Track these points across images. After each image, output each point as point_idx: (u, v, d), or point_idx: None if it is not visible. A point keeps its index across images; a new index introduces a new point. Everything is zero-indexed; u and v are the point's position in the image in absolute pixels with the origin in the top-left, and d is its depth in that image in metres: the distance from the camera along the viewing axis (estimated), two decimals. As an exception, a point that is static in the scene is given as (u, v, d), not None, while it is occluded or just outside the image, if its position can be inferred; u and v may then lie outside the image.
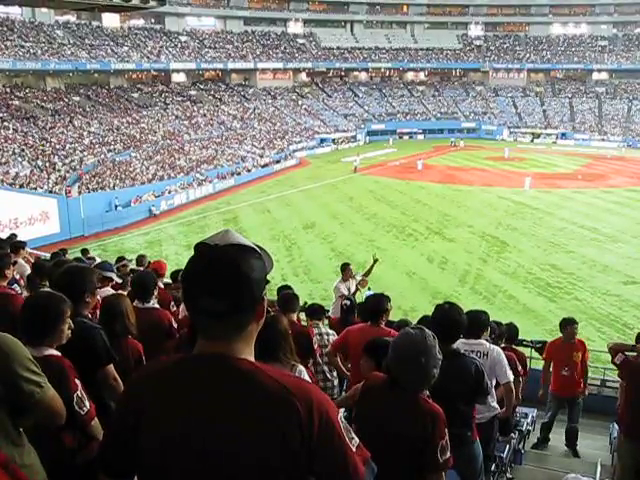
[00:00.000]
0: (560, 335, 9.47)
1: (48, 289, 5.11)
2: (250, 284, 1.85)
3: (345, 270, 12.76)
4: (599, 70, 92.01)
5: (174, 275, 10.31)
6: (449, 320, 4.87)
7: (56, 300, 3.75)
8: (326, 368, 7.11)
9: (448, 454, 3.51)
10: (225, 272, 1.84)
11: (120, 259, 11.88)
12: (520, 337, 12.27)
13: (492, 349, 5.93)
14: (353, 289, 12.55)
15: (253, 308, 1.90)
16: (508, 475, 7.47)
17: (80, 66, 64.27)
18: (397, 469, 3.42)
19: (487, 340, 5.44)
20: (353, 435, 1.95)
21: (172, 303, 7.85)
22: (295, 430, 1.79)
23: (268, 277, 2.01)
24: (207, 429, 1.81)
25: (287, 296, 7.20)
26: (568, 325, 9.29)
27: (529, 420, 9.59)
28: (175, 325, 6.48)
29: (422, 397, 3.56)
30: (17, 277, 8.27)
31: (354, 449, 1.92)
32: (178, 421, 1.83)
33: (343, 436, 1.90)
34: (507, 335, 8.76)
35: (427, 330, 3.59)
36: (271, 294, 12.42)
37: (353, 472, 1.90)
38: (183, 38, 79.68)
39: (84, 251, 15.38)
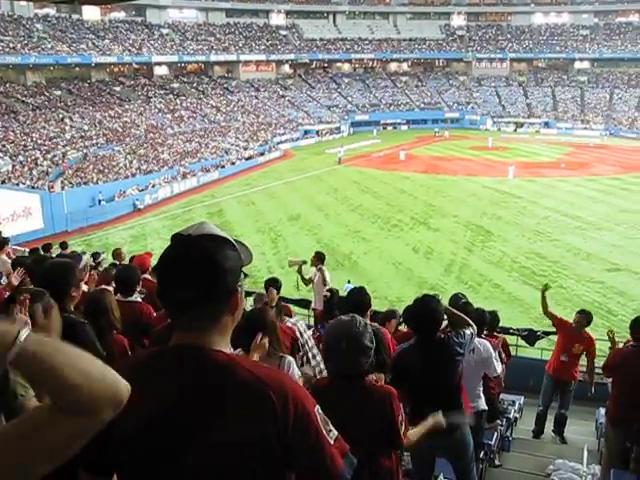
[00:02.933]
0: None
1: (31, 286, 5.06)
2: (222, 274, 1.84)
3: (315, 258, 12.83)
4: (581, 59, 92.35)
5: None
6: (429, 311, 4.91)
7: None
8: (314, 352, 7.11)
9: (405, 429, 3.57)
10: (196, 261, 1.84)
11: (96, 254, 11.81)
12: (506, 325, 12.35)
13: (479, 344, 5.98)
14: (315, 277, 12.60)
15: (226, 299, 1.89)
16: (496, 462, 7.52)
17: (61, 60, 63.87)
18: (365, 459, 3.42)
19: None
20: (331, 427, 1.94)
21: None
22: (270, 422, 1.77)
23: (249, 269, 2.00)
24: (178, 421, 1.79)
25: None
26: (578, 314, 9.35)
27: (516, 407, 9.66)
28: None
29: (368, 381, 3.56)
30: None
31: (332, 442, 1.91)
32: (149, 413, 1.80)
33: (320, 428, 1.88)
34: (489, 324, 8.79)
35: (358, 317, 3.53)
36: (257, 286, 12.41)
37: (331, 465, 1.89)
38: (165, 31, 79.24)
39: (63, 244, 15.26)
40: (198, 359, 1.84)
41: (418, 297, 5.11)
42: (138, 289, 6.78)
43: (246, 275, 2.00)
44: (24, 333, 1.39)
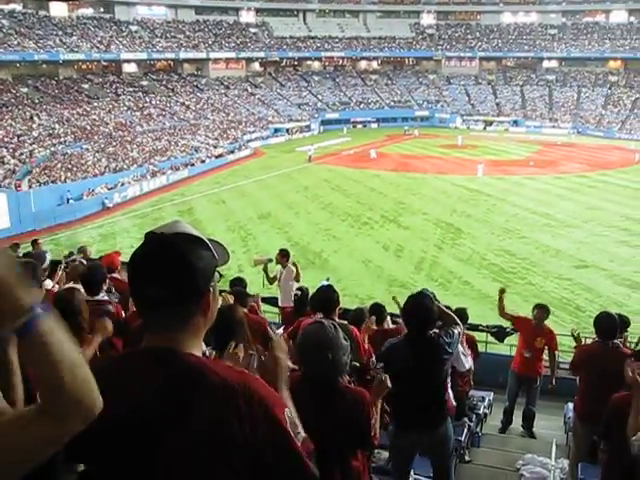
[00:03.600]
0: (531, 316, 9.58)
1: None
2: (193, 274, 1.82)
3: (280, 257, 12.81)
4: (549, 58, 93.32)
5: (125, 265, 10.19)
6: (423, 309, 4.95)
7: None
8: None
9: (375, 431, 3.57)
10: (167, 260, 1.81)
11: (70, 254, 11.68)
12: (476, 322, 12.42)
13: None
14: (285, 277, 12.57)
15: (197, 300, 1.86)
16: (466, 458, 7.56)
17: (27, 57, 63.03)
18: (334, 461, 3.42)
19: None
20: (300, 430, 1.93)
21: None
22: (236, 426, 1.75)
23: (222, 268, 1.98)
24: (147, 424, 1.76)
25: (239, 292, 7.26)
26: (536, 308, 9.43)
27: (485, 403, 9.72)
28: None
29: (342, 384, 3.57)
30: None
31: (299, 444, 1.89)
32: (118, 414, 1.76)
33: (288, 431, 1.86)
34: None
35: (327, 322, 3.57)
36: (224, 285, 12.33)
37: (300, 467, 1.89)
38: (134, 28, 78.57)
39: (34, 242, 15.08)
40: (168, 362, 1.81)
41: (413, 294, 5.12)
42: (105, 287, 6.72)
43: (221, 275, 1.98)
44: (40, 313, 1.37)
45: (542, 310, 9.40)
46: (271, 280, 12.71)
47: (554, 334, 9.57)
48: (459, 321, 5.31)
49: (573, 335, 8.17)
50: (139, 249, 1.89)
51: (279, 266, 12.89)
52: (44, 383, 1.42)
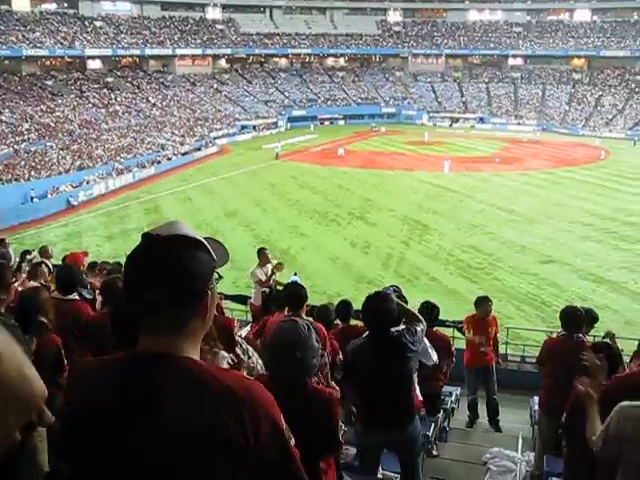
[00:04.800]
0: (474, 312, 9.80)
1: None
2: (189, 277, 1.77)
3: (261, 255, 12.54)
4: (514, 56, 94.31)
5: (92, 266, 10.11)
6: (381, 308, 4.95)
7: None
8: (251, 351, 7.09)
9: (343, 430, 3.60)
10: (163, 263, 1.76)
11: (26, 252, 11.52)
12: (443, 318, 12.51)
13: None
14: (269, 273, 12.34)
15: (195, 303, 1.82)
16: (434, 452, 7.60)
17: (-11, 52, 62.08)
18: (307, 461, 3.42)
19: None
20: (290, 434, 1.93)
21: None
22: (238, 431, 1.73)
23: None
24: (144, 430, 1.73)
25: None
26: (483, 303, 9.69)
27: (453, 398, 9.79)
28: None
29: (310, 385, 3.55)
30: None
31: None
32: (117, 422, 1.76)
33: (287, 436, 1.88)
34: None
35: (301, 322, 3.54)
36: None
37: (296, 470, 1.93)
38: (98, 23, 77.69)
39: (1, 241, 14.88)
40: (166, 367, 1.78)
41: (370, 294, 5.13)
42: (84, 291, 6.68)
43: (220, 277, 1.95)
44: None
45: (488, 302, 9.79)
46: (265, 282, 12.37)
47: (497, 320, 10.14)
48: (421, 318, 5.33)
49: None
50: (135, 251, 1.85)
51: (256, 269, 12.60)
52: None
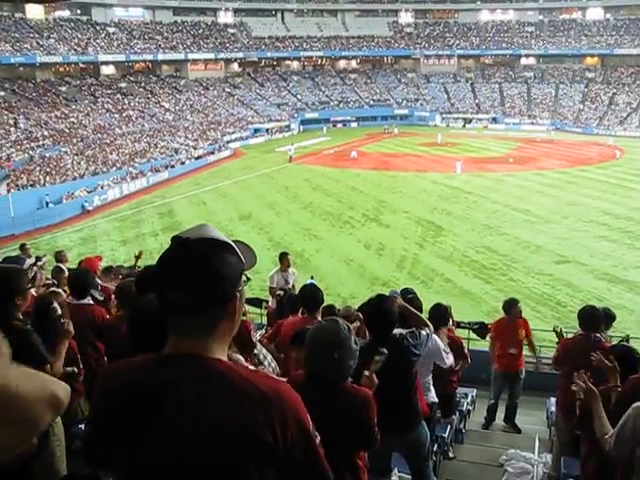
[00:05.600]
0: (501, 316, 9.71)
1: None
2: (219, 280, 1.79)
3: (283, 259, 12.52)
4: (527, 55, 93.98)
5: (106, 270, 10.15)
6: (381, 311, 4.93)
7: None
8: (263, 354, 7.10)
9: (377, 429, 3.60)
10: (192, 266, 1.79)
11: (37, 258, 11.58)
12: (457, 319, 12.46)
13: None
14: (291, 279, 12.32)
15: (224, 305, 1.84)
16: (450, 454, 7.58)
17: (4, 60, 62.55)
18: (337, 458, 3.43)
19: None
20: (315, 432, 1.95)
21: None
22: (268, 432, 1.75)
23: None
24: (177, 431, 1.75)
25: None
26: (514, 305, 9.59)
27: (469, 400, 9.76)
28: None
29: (346, 384, 3.56)
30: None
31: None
32: (148, 423, 1.78)
33: (313, 435, 1.91)
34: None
35: (342, 321, 3.55)
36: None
37: (322, 468, 1.96)
38: (111, 29, 78.14)
39: (22, 247, 14.97)
40: (196, 369, 1.80)
41: (372, 297, 5.12)
42: (95, 292, 6.71)
43: (248, 279, 1.96)
44: None
45: (517, 304, 9.65)
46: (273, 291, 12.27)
47: (527, 320, 9.91)
48: (428, 322, 5.32)
49: (555, 331, 8.23)
50: (165, 254, 1.87)
51: (277, 272, 12.56)
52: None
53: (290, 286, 11.86)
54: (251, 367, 4.55)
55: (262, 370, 5.71)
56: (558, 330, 8.26)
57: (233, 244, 1.91)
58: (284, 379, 2.36)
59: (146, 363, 1.90)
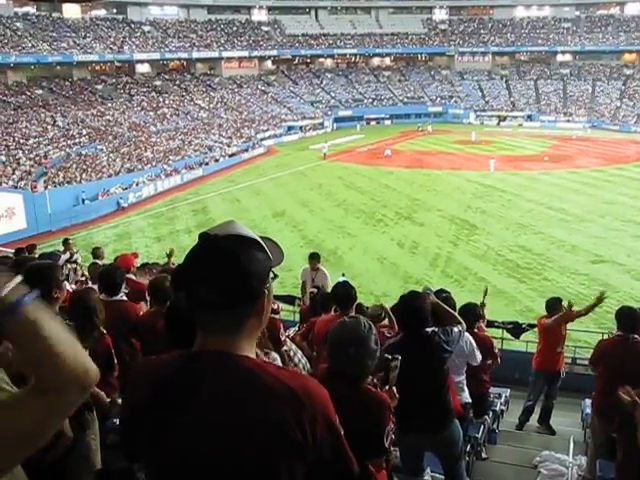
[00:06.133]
0: (544, 317, 9.56)
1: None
2: (247, 277, 1.79)
3: (311, 261, 12.72)
4: (563, 52, 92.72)
5: (142, 266, 10.26)
6: (412, 308, 4.92)
7: None
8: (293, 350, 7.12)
9: (390, 438, 3.56)
10: (220, 263, 1.79)
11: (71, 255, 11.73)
12: (491, 319, 12.39)
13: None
14: (320, 281, 12.43)
15: (252, 302, 1.84)
16: (483, 455, 7.53)
17: (42, 59, 63.47)
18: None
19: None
20: (340, 427, 1.95)
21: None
22: (298, 431, 1.75)
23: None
24: (206, 428, 1.76)
25: None
26: (558, 305, 9.47)
27: (502, 400, 9.68)
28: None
29: (365, 386, 3.55)
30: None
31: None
32: (175, 421, 1.79)
33: (340, 432, 1.91)
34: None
35: (364, 320, 3.55)
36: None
37: (350, 465, 1.98)
38: (146, 28, 78.86)
39: (65, 242, 15.18)
40: (225, 366, 1.80)
41: (404, 294, 5.11)
42: (123, 288, 6.77)
43: (276, 276, 1.96)
44: (25, 296, 1.46)
45: (561, 302, 9.49)
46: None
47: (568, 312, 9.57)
48: (460, 319, 5.29)
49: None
50: (192, 251, 1.87)
51: (307, 269, 12.80)
52: (37, 359, 1.47)
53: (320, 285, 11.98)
54: (280, 364, 4.60)
55: (292, 367, 5.72)
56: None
57: (261, 241, 1.91)
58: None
59: (174, 361, 1.91)
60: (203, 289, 1.78)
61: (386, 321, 7.28)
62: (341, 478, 2.01)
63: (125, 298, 6.74)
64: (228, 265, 1.78)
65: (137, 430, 1.89)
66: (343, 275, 19.22)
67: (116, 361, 5.23)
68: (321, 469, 1.87)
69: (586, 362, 9.61)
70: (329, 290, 11.21)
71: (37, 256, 10.66)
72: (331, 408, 1.89)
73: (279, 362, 4.69)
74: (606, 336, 8.44)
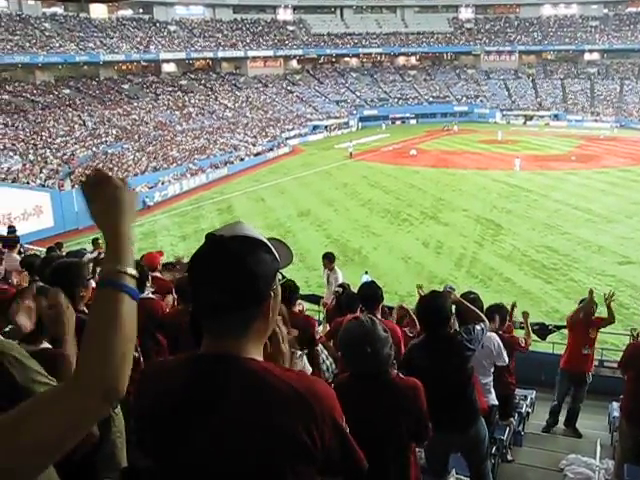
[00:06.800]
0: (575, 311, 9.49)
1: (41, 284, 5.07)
2: (253, 280, 1.77)
3: (324, 260, 12.82)
4: (590, 51, 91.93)
5: (167, 266, 10.33)
6: (434, 308, 4.91)
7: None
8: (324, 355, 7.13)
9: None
10: (225, 264, 1.77)
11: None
12: (517, 320, 12.30)
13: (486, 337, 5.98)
14: (334, 280, 12.52)
15: (258, 305, 1.81)
16: (509, 457, 7.48)
17: (69, 58, 64.15)
18: (392, 454, 3.44)
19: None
20: (346, 424, 1.92)
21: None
22: (305, 434, 1.73)
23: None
24: (209, 433, 1.75)
25: (288, 288, 7.10)
26: (585, 304, 9.34)
27: (528, 402, 9.61)
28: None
29: (393, 376, 3.57)
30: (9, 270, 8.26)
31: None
32: (179, 423, 1.78)
33: (346, 430, 1.88)
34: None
35: (363, 317, 3.61)
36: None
37: (360, 464, 1.96)
38: (172, 28, 79.38)
39: (95, 242, 15.29)
40: (231, 369, 1.78)
41: (426, 294, 5.11)
42: (149, 285, 6.81)
43: (283, 277, 1.94)
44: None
45: (592, 303, 9.37)
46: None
47: (600, 318, 9.55)
48: (484, 317, 5.26)
49: (633, 335, 8.04)
50: (198, 252, 1.85)
51: (326, 270, 12.91)
52: (91, 345, 1.49)
53: (336, 285, 12.12)
54: (306, 363, 4.61)
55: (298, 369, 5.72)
56: (635, 334, 8.09)
57: (268, 242, 1.88)
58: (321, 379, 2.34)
59: (180, 364, 1.90)
60: (208, 291, 1.77)
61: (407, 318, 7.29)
62: (351, 477, 2.01)
63: (151, 295, 6.78)
64: (233, 267, 1.76)
65: (145, 431, 1.90)
66: (366, 273, 19.23)
67: (142, 359, 5.26)
68: (330, 469, 1.86)
69: (613, 365, 9.54)
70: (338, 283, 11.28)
71: (64, 254, 10.77)
72: (338, 409, 1.86)
73: (306, 361, 4.70)
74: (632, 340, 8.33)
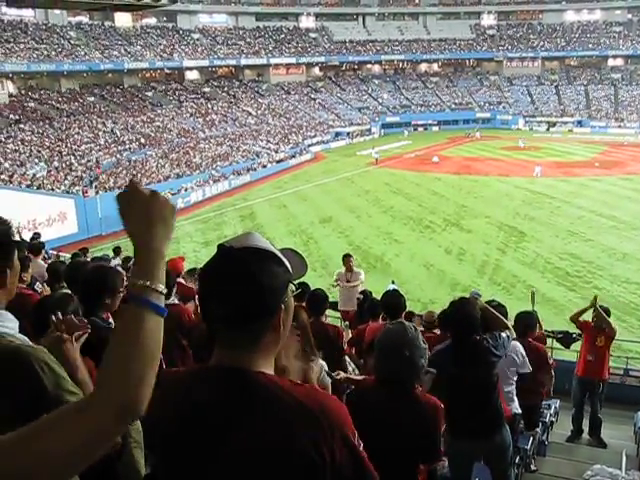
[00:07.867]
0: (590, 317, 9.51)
1: (66, 290, 5.11)
2: (261, 291, 1.73)
3: (344, 261, 12.98)
4: (614, 56, 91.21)
5: (190, 273, 10.40)
6: (462, 315, 4.91)
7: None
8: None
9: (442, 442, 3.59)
10: (234, 277, 1.73)
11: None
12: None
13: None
14: (355, 281, 12.64)
15: (268, 318, 1.78)
16: (532, 467, 7.43)
17: (94, 66, 64.73)
18: (401, 469, 3.42)
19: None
20: (359, 440, 1.86)
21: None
22: (314, 450, 1.69)
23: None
24: (217, 446, 1.72)
25: (318, 298, 7.05)
26: (596, 310, 9.41)
27: (552, 411, 9.54)
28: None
29: (416, 391, 3.56)
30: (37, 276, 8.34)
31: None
32: (188, 436, 1.76)
33: (358, 445, 1.83)
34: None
35: (407, 323, 3.61)
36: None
37: (370, 477, 1.88)
38: (195, 35, 79.88)
39: (116, 250, 15.44)
40: (240, 383, 1.75)
41: (454, 300, 5.11)
42: (174, 291, 6.84)
43: (297, 288, 1.92)
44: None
45: (602, 311, 9.49)
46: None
47: (613, 330, 9.60)
48: (509, 325, 5.26)
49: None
50: (208, 263, 1.83)
51: (342, 270, 13.05)
52: (113, 365, 1.46)
53: (352, 286, 12.34)
54: (326, 370, 4.59)
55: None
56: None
57: (279, 254, 1.84)
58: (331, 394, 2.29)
59: (189, 377, 1.89)
60: (217, 303, 1.75)
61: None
62: None
63: (177, 302, 6.81)
64: (241, 279, 1.73)
65: (154, 442, 1.92)
66: (393, 282, 19.18)
67: (165, 366, 5.28)
68: None
69: (639, 374, 9.45)
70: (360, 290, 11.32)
71: (90, 259, 10.86)
72: (349, 423, 1.80)
73: (325, 368, 4.68)
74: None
